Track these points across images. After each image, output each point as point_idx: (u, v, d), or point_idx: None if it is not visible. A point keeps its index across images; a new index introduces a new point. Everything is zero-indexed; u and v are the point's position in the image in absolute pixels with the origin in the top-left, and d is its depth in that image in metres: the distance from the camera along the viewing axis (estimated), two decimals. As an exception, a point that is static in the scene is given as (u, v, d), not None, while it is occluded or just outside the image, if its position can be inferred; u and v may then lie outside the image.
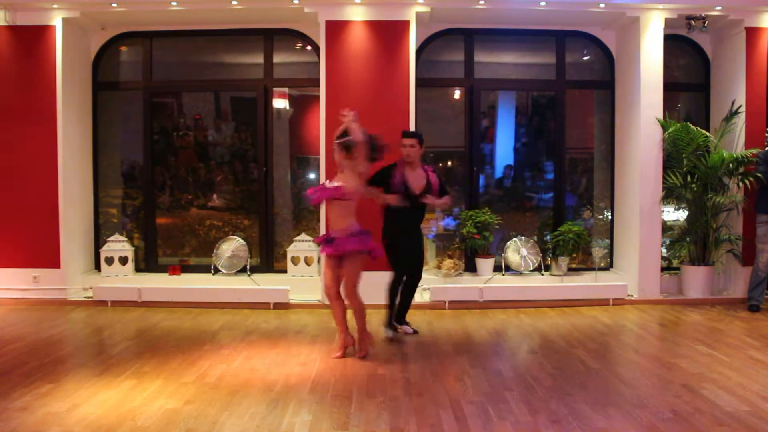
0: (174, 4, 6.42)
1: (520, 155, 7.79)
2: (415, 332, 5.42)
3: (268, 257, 7.18)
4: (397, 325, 5.37)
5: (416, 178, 5.27)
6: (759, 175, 6.30)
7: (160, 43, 7.24)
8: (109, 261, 6.95)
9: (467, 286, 6.63)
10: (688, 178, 6.75)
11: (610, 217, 7.39)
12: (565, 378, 4.24)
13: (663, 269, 6.96)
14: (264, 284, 6.70)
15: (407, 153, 5.26)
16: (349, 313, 4.79)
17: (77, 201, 6.88)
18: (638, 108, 6.66)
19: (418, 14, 6.49)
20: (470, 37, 7.17)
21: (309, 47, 7.13)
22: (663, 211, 6.92)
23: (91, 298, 6.56)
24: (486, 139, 7.63)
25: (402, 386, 4.08)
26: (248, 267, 7.03)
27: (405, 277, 5.33)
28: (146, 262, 7.29)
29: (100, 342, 5.27)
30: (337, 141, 4.64)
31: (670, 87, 6.96)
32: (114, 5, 6.44)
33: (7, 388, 3.97)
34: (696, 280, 6.74)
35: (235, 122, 7.63)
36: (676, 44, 7.14)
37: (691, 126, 6.61)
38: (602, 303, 6.54)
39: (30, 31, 6.55)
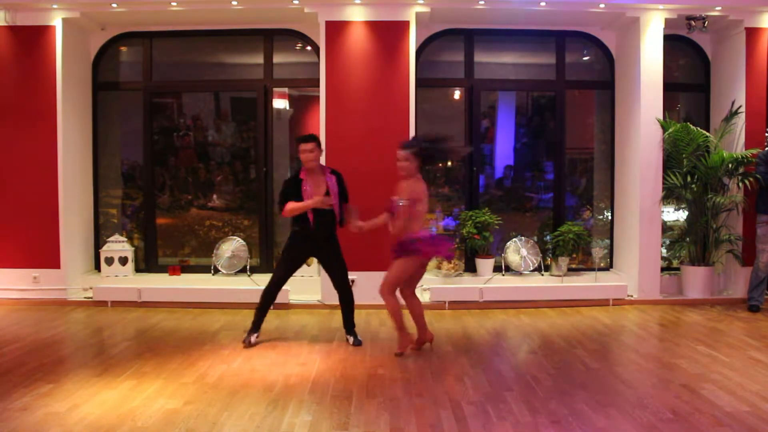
0: (174, 4, 6.42)
1: (520, 155, 7.79)
2: (358, 344, 5.08)
3: (268, 257, 7.18)
4: (348, 336, 5.14)
5: (318, 185, 5.00)
6: (759, 176, 6.31)
7: (160, 43, 7.23)
8: (109, 261, 6.94)
9: (467, 286, 6.62)
10: (688, 179, 6.75)
11: (610, 218, 7.39)
12: (565, 378, 4.24)
13: (663, 269, 6.96)
14: (264, 285, 6.68)
15: (305, 158, 4.94)
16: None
17: (77, 201, 6.87)
18: (638, 108, 6.66)
19: (418, 14, 6.49)
20: (470, 37, 7.16)
21: (309, 47, 7.12)
22: (663, 211, 6.92)
23: (91, 298, 6.57)
24: (486, 139, 7.63)
25: (402, 386, 4.08)
26: (248, 267, 7.03)
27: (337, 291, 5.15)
28: (146, 263, 7.29)
29: (100, 342, 5.27)
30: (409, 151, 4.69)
31: (670, 87, 6.96)
32: (114, 5, 6.44)
33: (7, 388, 3.97)
34: (696, 280, 6.74)
35: (235, 122, 7.63)
36: (676, 44, 7.14)
37: (691, 126, 6.60)
38: (602, 303, 6.54)
39: (30, 31, 6.55)
